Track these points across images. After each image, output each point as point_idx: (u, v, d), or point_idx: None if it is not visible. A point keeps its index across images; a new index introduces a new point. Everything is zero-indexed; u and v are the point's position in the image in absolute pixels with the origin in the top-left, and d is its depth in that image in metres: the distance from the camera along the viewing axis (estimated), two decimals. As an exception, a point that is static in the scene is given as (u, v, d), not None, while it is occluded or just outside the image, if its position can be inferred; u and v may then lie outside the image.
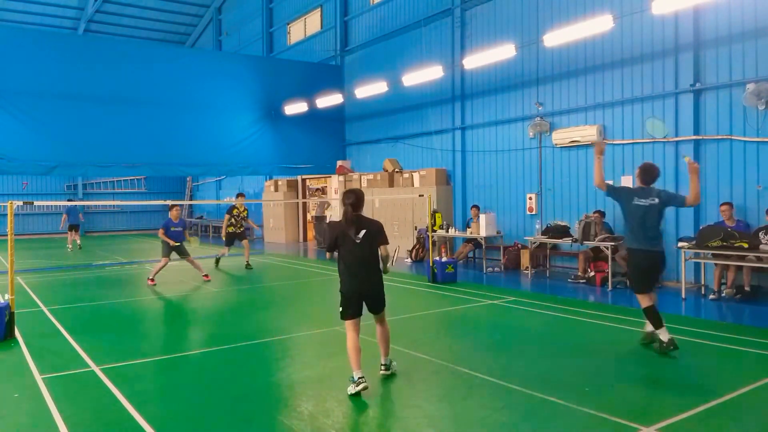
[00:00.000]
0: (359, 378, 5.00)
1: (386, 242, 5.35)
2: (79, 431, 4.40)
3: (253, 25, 26.75)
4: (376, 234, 5.26)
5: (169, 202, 12.49)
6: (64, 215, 20.57)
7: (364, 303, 5.34)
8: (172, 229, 11.85)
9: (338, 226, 5.29)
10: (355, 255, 5.20)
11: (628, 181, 11.82)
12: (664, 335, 6.04)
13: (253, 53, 25.72)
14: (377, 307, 5.42)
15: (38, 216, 29.09)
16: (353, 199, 5.19)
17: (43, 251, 20.12)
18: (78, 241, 20.39)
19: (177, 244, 11.86)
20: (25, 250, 19.78)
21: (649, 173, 6.41)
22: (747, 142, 10.05)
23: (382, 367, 5.56)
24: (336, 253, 5.38)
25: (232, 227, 14.22)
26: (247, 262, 14.25)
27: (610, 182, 6.73)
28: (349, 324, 5.24)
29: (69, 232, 20.37)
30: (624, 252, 10.81)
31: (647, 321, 6.32)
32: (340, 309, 5.30)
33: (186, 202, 28.79)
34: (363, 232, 5.20)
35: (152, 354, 6.70)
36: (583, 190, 12.74)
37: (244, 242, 14.41)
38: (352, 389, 5.00)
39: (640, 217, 6.25)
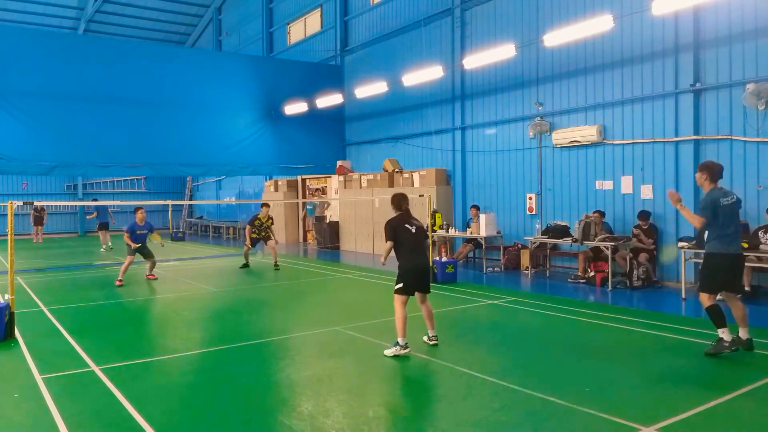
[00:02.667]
0: (406, 343, 6.27)
1: (427, 235, 6.86)
2: (79, 431, 4.40)
3: (253, 25, 26.75)
4: (421, 227, 6.79)
5: (170, 202, 12.53)
6: (95, 212, 20.46)
7: (417, 282, 6.55)
8: (138, 232, 11.94)
9: (398, 222, 6.63)
10: (413, 241, 6.60)
11: (628, 182, 11.84)
12: (726, 335, 6.08)
13: (253, 53, 25.72)
14: (426, 283, 6.69)
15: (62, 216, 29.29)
16: (407, 202, 6.82)
17: (80, 249, 20.29)
18: (109, 242, 19.95)
19: (138, 245, 11.95)
20: (49, 250, 19.80)
21: (719, 170, 6.34)
22: (747, 142, 10.05)
23: (434, 338, 6.71)
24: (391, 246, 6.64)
25: (256, 234, 14.27)
26: (275, 262, 14.16)
27: (704, 217, 6.13)
28: (402, 299, 6.44)
29: (100, 232, 20.10)
30: (624, 252, 10.83)
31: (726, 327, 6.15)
32: (401, 285, 6.47)
33: (186, 202, 28.80)
34: (415, 226, 6.64)
35: (152, 354, 6.70)
36: (583, 190, 12.74)
37: (270, 243, 14.33)
38: (395, 351, 6.22)
39: (730, 216, 6.19)
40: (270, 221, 14.50)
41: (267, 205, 14.52)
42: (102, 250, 19.46)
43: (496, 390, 5.19)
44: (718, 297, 6.44)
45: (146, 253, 12.31)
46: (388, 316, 8.25)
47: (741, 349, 6.10)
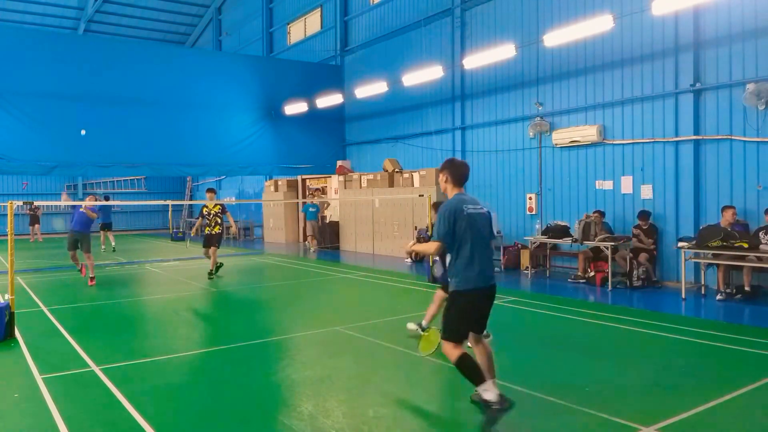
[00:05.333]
0: (428, 327, 6.22)
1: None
2: (79, 431, 4.40)
3: (253, 25, 26.75)
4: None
5: (170, 202, 12.46)
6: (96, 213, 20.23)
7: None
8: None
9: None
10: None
11: (628, 182, 11.83)
12: None
13: (253, 53, 25.72)
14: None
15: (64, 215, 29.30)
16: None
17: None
18: (112, 242, 19.28)
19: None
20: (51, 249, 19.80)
21: (465, 171, 4.96)
22: (747, 142, 10.05)
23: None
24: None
25: (208, 228, 12.34)
26: (211, 270, 12.44)
27: (438, 241, 4.51)
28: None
29: (101, 232, 19.29)
30: (624, 252, 10.82)
31: None
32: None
33: (186, 202, 28.80)
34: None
35: (152, 354, 6.69)
36: (583, 190, 12.74)
37: (212, 249, 12.36)
38: (416, 329, 6.74)
39: (477, 234, 4.59)
40: (218, 208, 12.46)
41: (212, 191, 13.01)
42: (102, 249, 19.15)
43: (496, 390, 5.19)
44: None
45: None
46: (388, 316, 8.27)
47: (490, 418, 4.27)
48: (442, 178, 4.81)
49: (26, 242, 24.28)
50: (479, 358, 4.52)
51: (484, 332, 4.75)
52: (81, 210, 11.52)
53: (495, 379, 4.43)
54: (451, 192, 4.71)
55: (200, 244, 13.07)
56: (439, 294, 6.81)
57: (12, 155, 15.87)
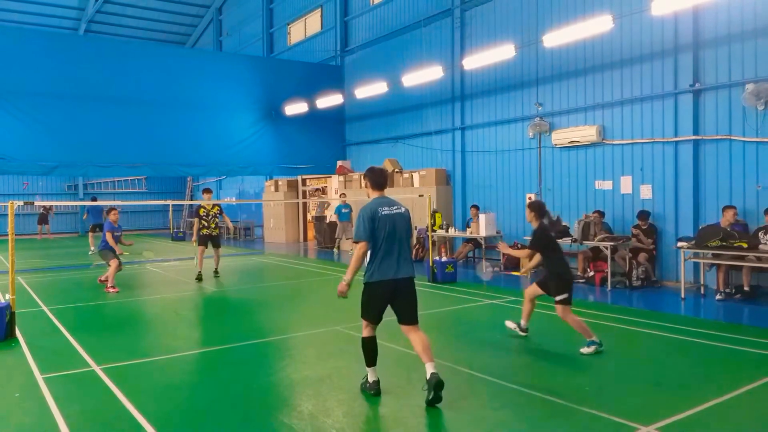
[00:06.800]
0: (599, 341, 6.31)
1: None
2: (80, 431, 4.41)
3: (253, 25, 26.76)
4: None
5: (170, 202, 12.39)
6: (85, 214, 19.51)
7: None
8: (116, 234, 11.13)
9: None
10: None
11: (627, 182, 11.84)
12: None
13: (253, 53, 25.74)
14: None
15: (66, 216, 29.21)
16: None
17: (80, 249, 20.13)
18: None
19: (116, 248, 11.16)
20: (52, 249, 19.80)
21: (385, 177, 5.54)
22: (746, 142, 10.06)
23: None
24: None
25: (206, 229, 12.22)
26: (215, 269, 12.69)
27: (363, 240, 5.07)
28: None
29: (92, 233, 18.91)
30: (624, 252, 10.83)
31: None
32: (566, 294, 6.42)
33: (186, 202, 28.80)
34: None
35: (152, 353, 6.70)
36: (583, 190, 12.75)
37: (219, 251, 12.59)
38: (515, 327, 7.04)
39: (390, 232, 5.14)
40: (217, 208, 12.41)
41: (209, 191, 12.74)
42: (90, 252, 18.16)
43: (496, 390, 5.20)
44: None
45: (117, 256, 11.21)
46: (388, 316, 8.29)
47: (430, 395, 4.71)
48: (363, 183, 5.49)
49: (33, 241, 24.28)
50: (415, 346, 5.00)
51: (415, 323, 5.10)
52: (116, 234, 11.21)
53: (432, 362, 4.86)
54: (372, 195, 5.35)
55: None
56: (531, 291, 6.88)
57: (12, 155, 15.88)
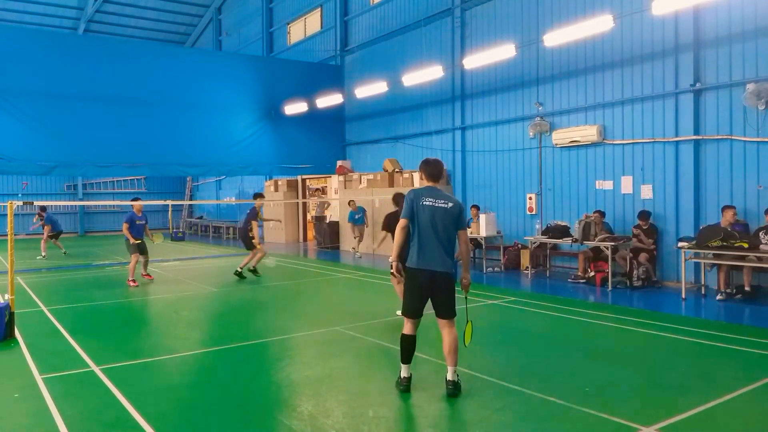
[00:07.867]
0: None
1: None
2: (79, 431, 4.40)
3: (253, 25, 26.75)
4: None
5: (170, 202, 12.43)
6: (37, 217, 18.14)
7: None
8: (137, 222, 11.50)
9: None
10: None
11: (628, 182, 11.84)
12: None
13: (253, 53, 25.72)
14: None
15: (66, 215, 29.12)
16: None
17: (79, 249, 20.03)
18: (62, 248, 18.22)
19: (139, 241, 11.50)
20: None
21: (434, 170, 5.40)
22: (747, 142, 10.05)
23: None
24: None
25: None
26: (254, 266, 12.84)
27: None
28: None
29: (55, 240, 17.94)
30: (624, 252, 10.82)
31: None
32: None
33: (186, 202, 28.80)
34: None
35: (152, 354, 6.69)
36: (583, 190, 12.74)
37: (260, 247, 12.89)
38: None
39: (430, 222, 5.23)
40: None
41: (262, 195, 12.97)
42: (40, 257, 16.82)
43: (497, 390, 5.19)
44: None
45: (143, 250, 11.71)
46: (388, 316, 8.27)
47: (449, 395, 4.97)
48: (419, 174, 5.64)
49: (37, 240, 24.18)
50: (443, 344, 5.11)
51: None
52: (137, 223, 11.65)
53: (453, 368, 5.04)
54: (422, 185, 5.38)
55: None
56: None
57: (12, 155, 15.87)
